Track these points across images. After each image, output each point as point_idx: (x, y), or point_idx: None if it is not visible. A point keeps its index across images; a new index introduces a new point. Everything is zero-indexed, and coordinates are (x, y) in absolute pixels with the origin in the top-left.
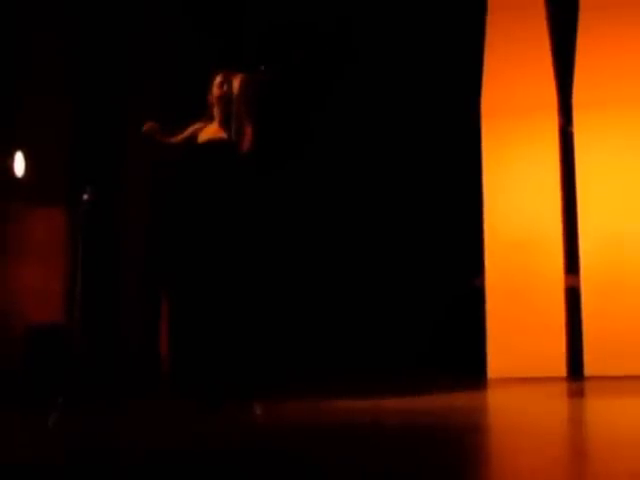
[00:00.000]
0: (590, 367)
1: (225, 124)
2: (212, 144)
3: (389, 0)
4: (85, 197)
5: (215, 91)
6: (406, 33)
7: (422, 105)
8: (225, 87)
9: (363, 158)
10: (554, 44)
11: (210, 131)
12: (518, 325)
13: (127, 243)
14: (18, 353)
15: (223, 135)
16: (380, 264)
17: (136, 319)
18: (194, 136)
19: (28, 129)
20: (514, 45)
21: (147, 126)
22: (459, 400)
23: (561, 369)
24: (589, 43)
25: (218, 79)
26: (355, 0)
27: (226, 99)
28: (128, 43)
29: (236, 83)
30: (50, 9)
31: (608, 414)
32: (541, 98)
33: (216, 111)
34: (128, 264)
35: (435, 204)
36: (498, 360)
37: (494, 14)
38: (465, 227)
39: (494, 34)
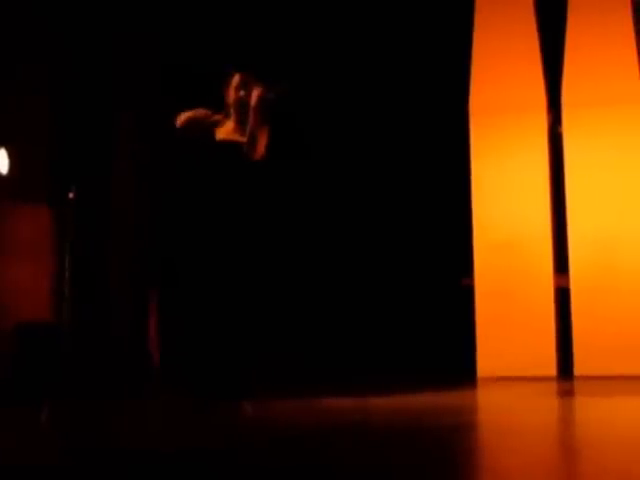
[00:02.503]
0: (580, 367)
1: (240, 127)
2: (229, 145)
3: None
4: (70, 195)
5: (231, 93)
6: (394, 31)
7: (410, 104)
8: (242, 92)
9: (350, 159)
10: (543, 43)
11: (227, 130)
12: (508, 325)
13: (114, 240)
14: (6, 351)
15: (239, 138)
16: (369, 264)
17: (125, 317)
18: (213, 127)
19: (11, 127)
20: (502, 44)
21: (200, 112)
22: (448, 399)
23: (551, 368)
24: (578, 42)
25: (236, 80)
26: None
27: (242, 105)
28: (111, 39)
29: (255, 93)
30: (32, 9)
31: (597, 413)
32: (530, 97)
33: (232, 112)
34: (115, 261)
35: (423, 204)
36: (488, 359)
37: (482, 12)
38: (454, 227)
39: (482, 32)
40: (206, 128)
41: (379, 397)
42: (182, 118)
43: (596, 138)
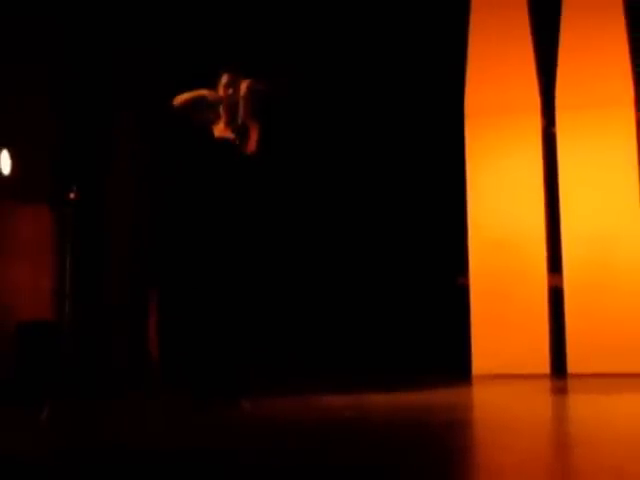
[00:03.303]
0: (573, 365)
1: (231, 125)
2: (224, 143)
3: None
4: (71, 196)
5: (221, 91)
6: (390, 32)
7: (406, 105)
8: (231, 90)
9: (348, 158)
10: (537, 45)
11: (220, 129)
12: (502, 323)
13: (114, 241)
14: (7, 351)
15: (230, 135)
16: (365, 263)
17: (125, 317)
18: (210, 122)
19: (12, 127)
20: (497, 46)
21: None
22: (444, 397)
23: (545, 366)
24: (572, 44)
25: (224, 79)
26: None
27: (232, 102)
28: (111, 40)
29: (243, 87)
30: (32, 9)
31: (591, 411)
32: (524, 99)
33: (222, 110)
34: (115, 261)
35: (419, 203)
36: (483, 357)
37: (478, 14)
38: (449, 226)
39: (477, 34)
40: (204, 114)
41: (376, 395)
42: (180, 98)
43: (589, 139)
